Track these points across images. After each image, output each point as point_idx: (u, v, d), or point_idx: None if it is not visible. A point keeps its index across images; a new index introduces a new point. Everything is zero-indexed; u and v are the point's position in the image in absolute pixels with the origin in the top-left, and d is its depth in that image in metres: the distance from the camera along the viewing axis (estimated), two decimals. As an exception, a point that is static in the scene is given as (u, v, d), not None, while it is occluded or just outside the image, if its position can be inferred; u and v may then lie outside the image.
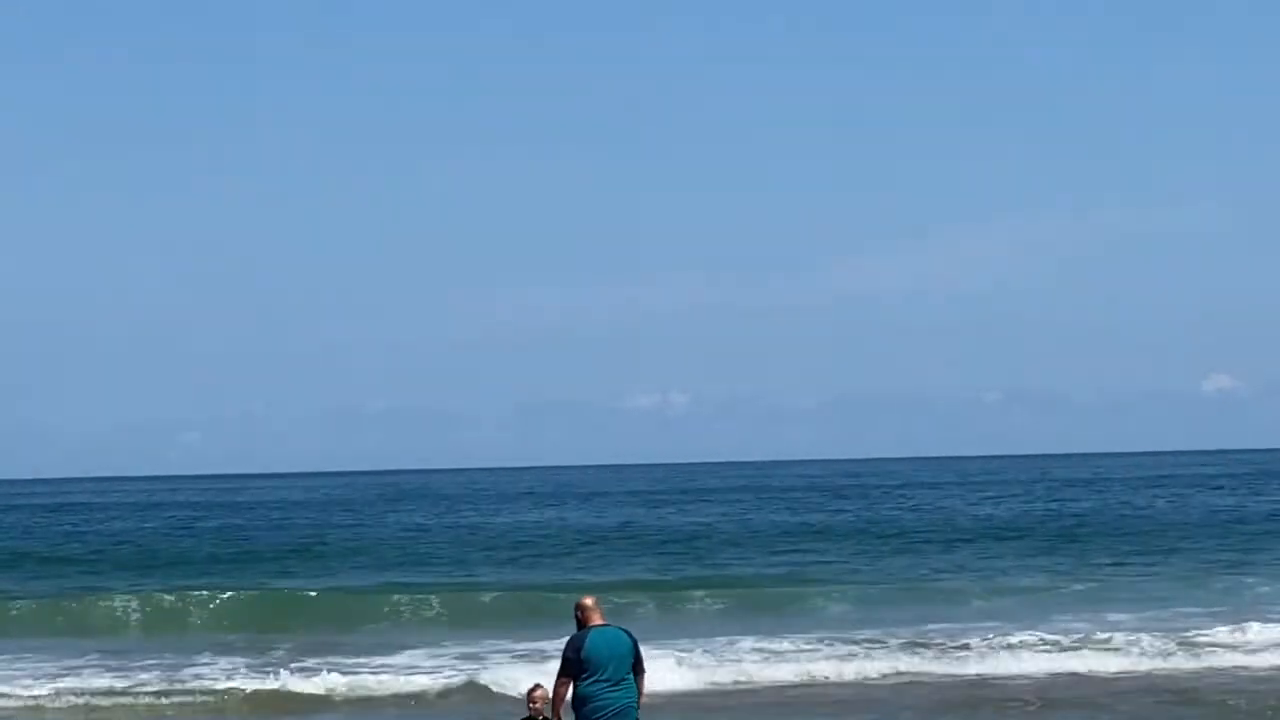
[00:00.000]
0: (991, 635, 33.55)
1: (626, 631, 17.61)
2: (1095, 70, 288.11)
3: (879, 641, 33.49)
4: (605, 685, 17.20)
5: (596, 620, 17.47)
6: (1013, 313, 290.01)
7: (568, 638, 17.49)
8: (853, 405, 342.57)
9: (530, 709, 17.65)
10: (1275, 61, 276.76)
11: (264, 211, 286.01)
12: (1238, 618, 35.53)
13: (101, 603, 43.01)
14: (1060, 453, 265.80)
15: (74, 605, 42.87)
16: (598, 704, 17.19)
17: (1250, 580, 44.49)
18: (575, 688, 17.26)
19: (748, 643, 33.51)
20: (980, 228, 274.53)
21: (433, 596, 43.13)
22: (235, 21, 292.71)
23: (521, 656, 32.08)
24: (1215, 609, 38.48)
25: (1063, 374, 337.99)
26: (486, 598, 43.70)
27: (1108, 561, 52.03)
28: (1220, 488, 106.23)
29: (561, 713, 17.42)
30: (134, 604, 42.21)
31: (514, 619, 39.29)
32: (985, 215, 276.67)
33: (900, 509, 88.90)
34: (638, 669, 17.47)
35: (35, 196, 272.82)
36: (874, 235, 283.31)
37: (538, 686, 17.91)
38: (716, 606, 42.01)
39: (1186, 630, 34.27)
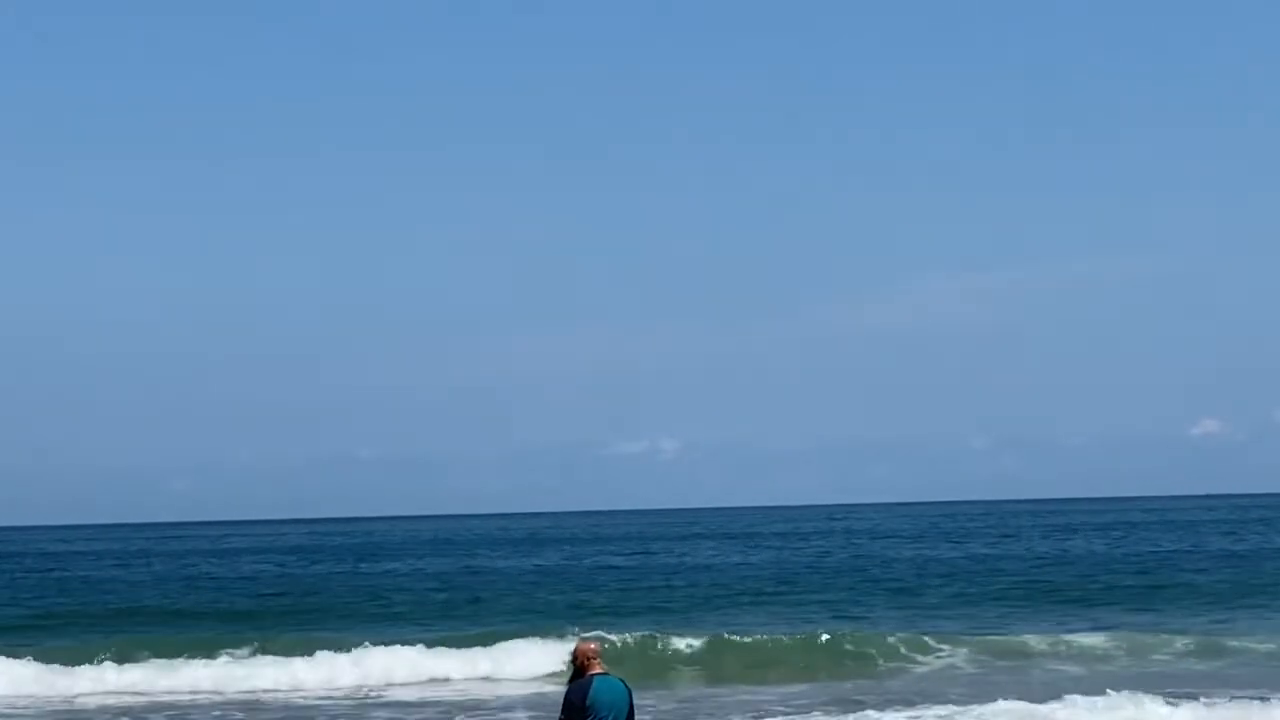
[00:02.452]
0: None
1: (624, 683, 17.56)
2: (1080, 117, 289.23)
3: None
4: None
5: (598, 668, 17.42)
6: (1001, 357, 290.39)
7: (571, 682, 17.39)
8: (840, 450, 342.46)
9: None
10: (1258, 103, 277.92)
11: (258, 258, 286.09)
12: None
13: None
14: (1050, 497, 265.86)
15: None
16: None
17: None
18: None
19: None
20: (970, 273, 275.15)
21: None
22: (237, 32, 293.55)
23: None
24: None
25: (1051, 419, 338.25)
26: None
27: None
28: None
29: None
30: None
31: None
32: (975, 260, 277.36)
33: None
34: (630, 718, 17.42)
35: (20, 226, 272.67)
36: (862, 279, 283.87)
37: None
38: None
39: None
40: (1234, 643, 41.00)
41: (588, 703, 17.17)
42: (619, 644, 40.14)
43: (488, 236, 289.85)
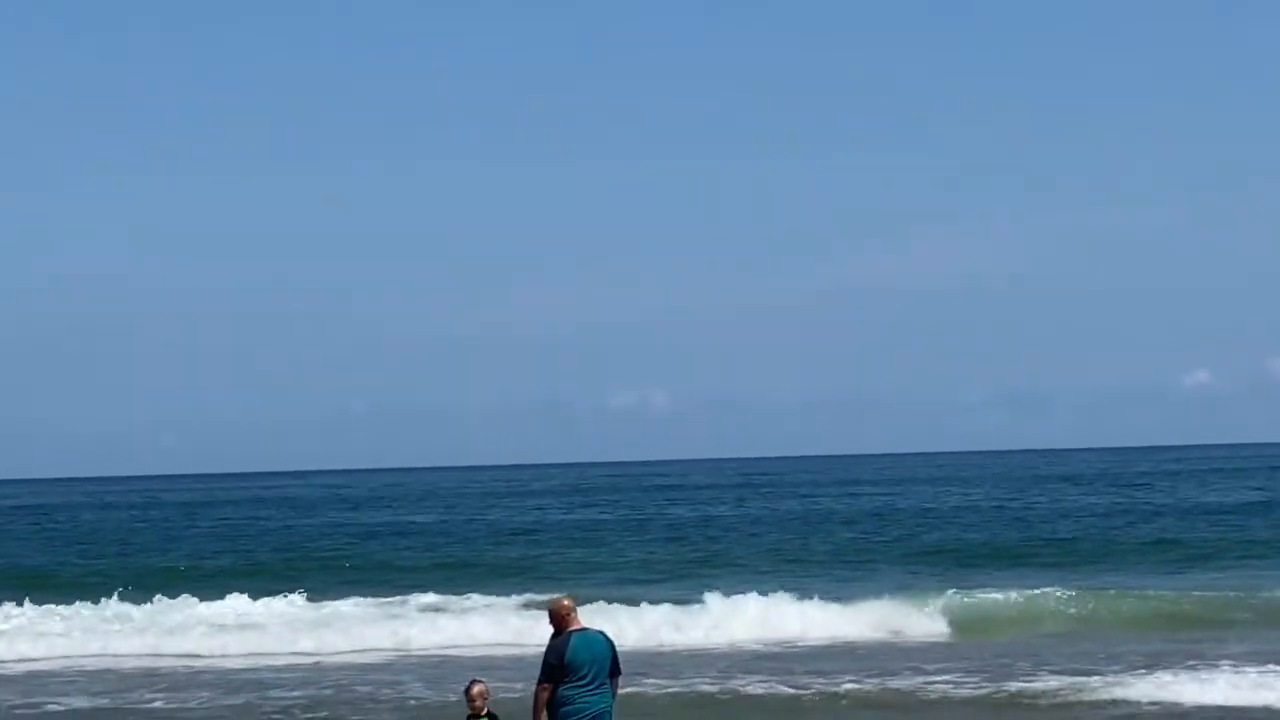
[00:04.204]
0: None
1: (604, 635, 17.32)
2: (1073, 70, 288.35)
3: None
4: (585, 689, 16.91)
5: (576, 623, 17.15)
6: (993, 311, 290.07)
7: (549, 641, 17.13)
8: (833, 404, 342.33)
9: (471, 708, 17.26)
10: (1245, 56, 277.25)
11: (246, 211, 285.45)
12: None
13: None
14: (1042, 448, 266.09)
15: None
16: (576, 707, 16.89)
17: None
18: (554, 691, 16.93)
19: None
20: (960, 227, 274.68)
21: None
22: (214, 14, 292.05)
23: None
24: None
25: (1044, 372, 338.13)
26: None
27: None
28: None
29: (542, 717, 17.07)
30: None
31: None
32: (966, 215, 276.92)
33: None
34: (614, 672, 17.22)
35: (16, 195, 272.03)
36: (855, 234, 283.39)
37: (474, 683, 17.53)
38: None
39: None
40: None
41: (566, 660, 16.88)
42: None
43: (481, 187, 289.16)
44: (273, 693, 29.87)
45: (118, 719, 27.34)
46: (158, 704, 28.90)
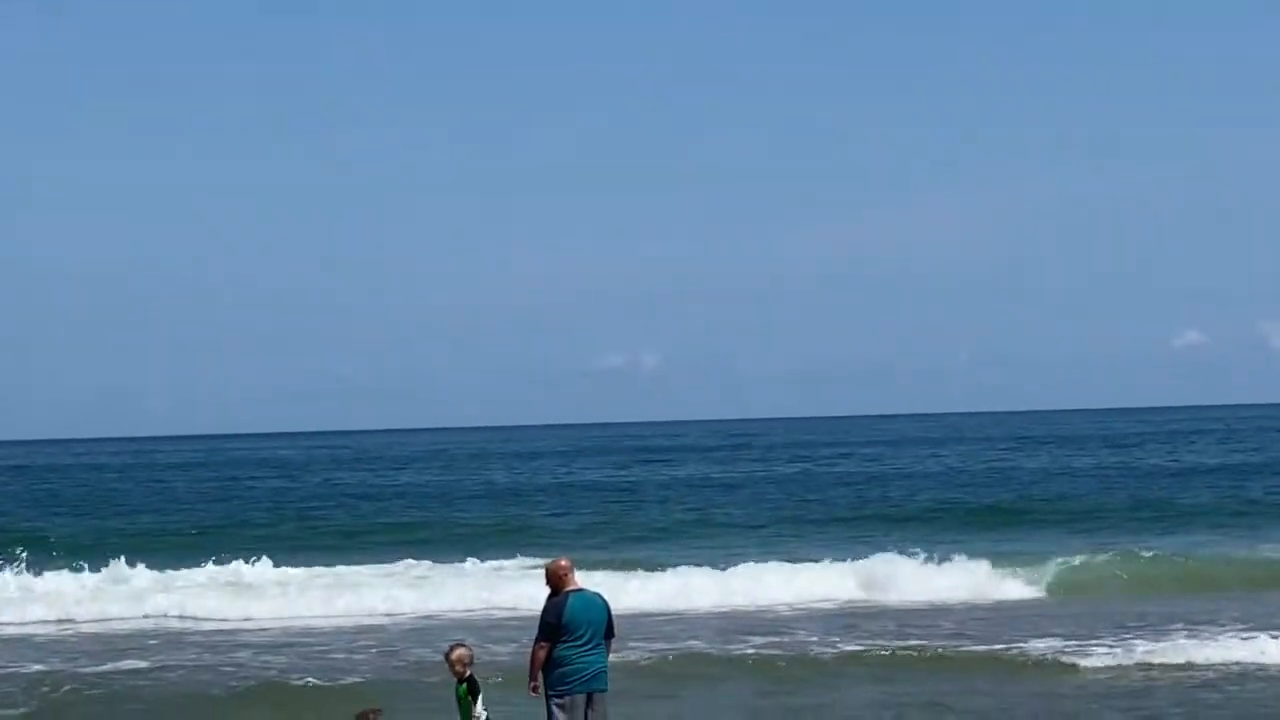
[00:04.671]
0: None
1: (601, 596, 17.26)
2: (1061, 37, 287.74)
3: None
4: (582, 649, 16.86)
5: (573, 584, 17.08)
6: (985, 273, 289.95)
7: (546, 601, 17.03)
8: (822, 366, 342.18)
9: (452, 672, 16.97)
10: (1232, 22, 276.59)
11: (235, 176, 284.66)
12: None
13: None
14: (1030, 409, 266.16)
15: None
16: (574, 668, 16.84)
17: None
18: (551, 650, 16.85)
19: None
20: (953, 192, 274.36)
21: None
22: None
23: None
24: None
25: (1034, 333, 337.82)
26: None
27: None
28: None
29: (538, 676, 16.95)
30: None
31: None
32: (959, 180, 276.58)
33: None
34: (609, 634, 17.16)
35: (5, 157, 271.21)
36: (845, 199, 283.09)
37: (455, 646, 17.21)
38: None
39: None
40: None
41: (564, 620, 16.82)
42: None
43: (473, 153, 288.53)
44: (254, 655, 29.48)
45: (101, 682, 26.88)
46: (140, 665, 28.44)
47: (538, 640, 16.91)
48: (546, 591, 17.19)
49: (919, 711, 22.84)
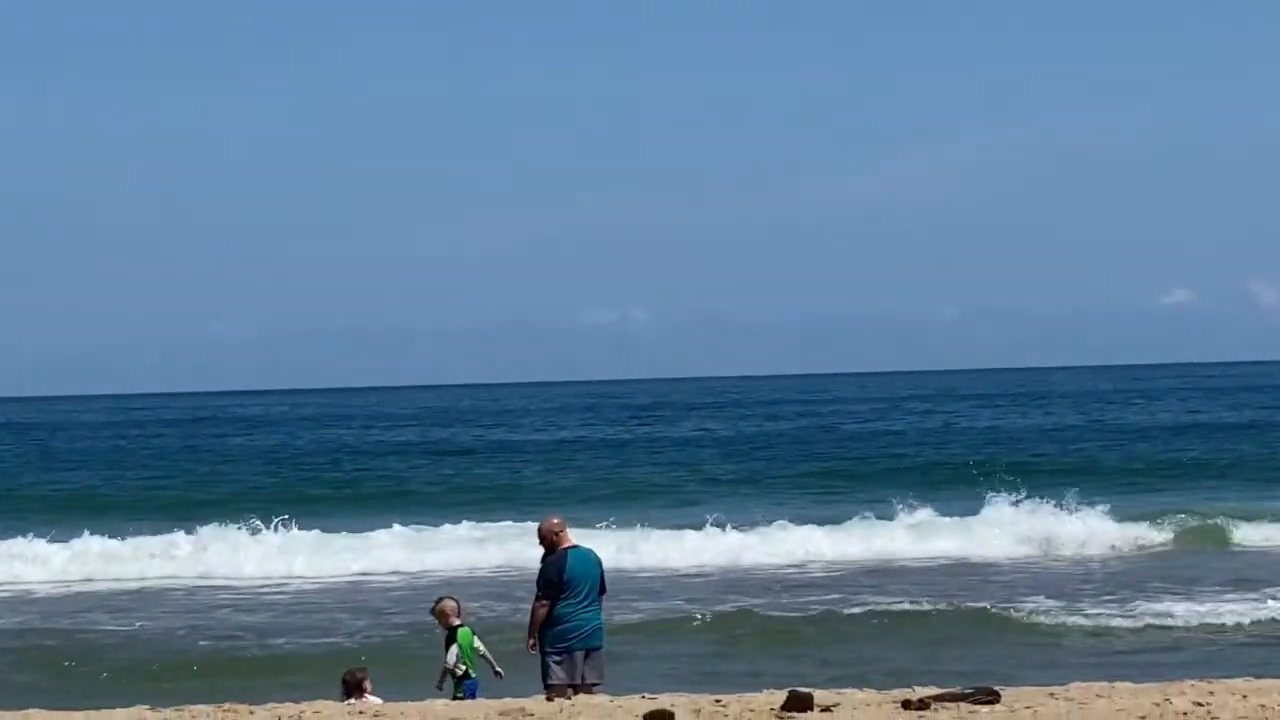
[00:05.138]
0: None
1: (594, 552, 17.32)
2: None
3: None
4: (579, 606, 16.89)
5: (567, 541, 17.09)
6: (972, 229, 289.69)
7: (545, 559, 17.00)
8: (813, 321, 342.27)
9: (443, 624, 17.27)
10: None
11: (230, 130, 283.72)
12: None
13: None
14: (1021, 367, 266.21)
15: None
16: (572, 624, 16.87)
17: None
18: (552, 607, 16.84)
19: None
20: (941, 145, 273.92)
21: None
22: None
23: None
24: None
25: (1023, 290, 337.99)
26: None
27: None
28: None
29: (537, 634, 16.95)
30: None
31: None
32: (946, 133, 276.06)
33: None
34: (601, 590, 17.20)
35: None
36: (835, 151, 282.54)
37: (442, 599, 17.54)
38: None
39: None
40: None
41: (565, 576, 16.83)
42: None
43: (459, 107, 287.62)
44: (233, 614, 29.34)
45: (75, 638, 26.74)
46: (109, 625, 28.30)
47: (539, 597, 16.92)
48: (539, 551, 17.21)
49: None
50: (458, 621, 17.28)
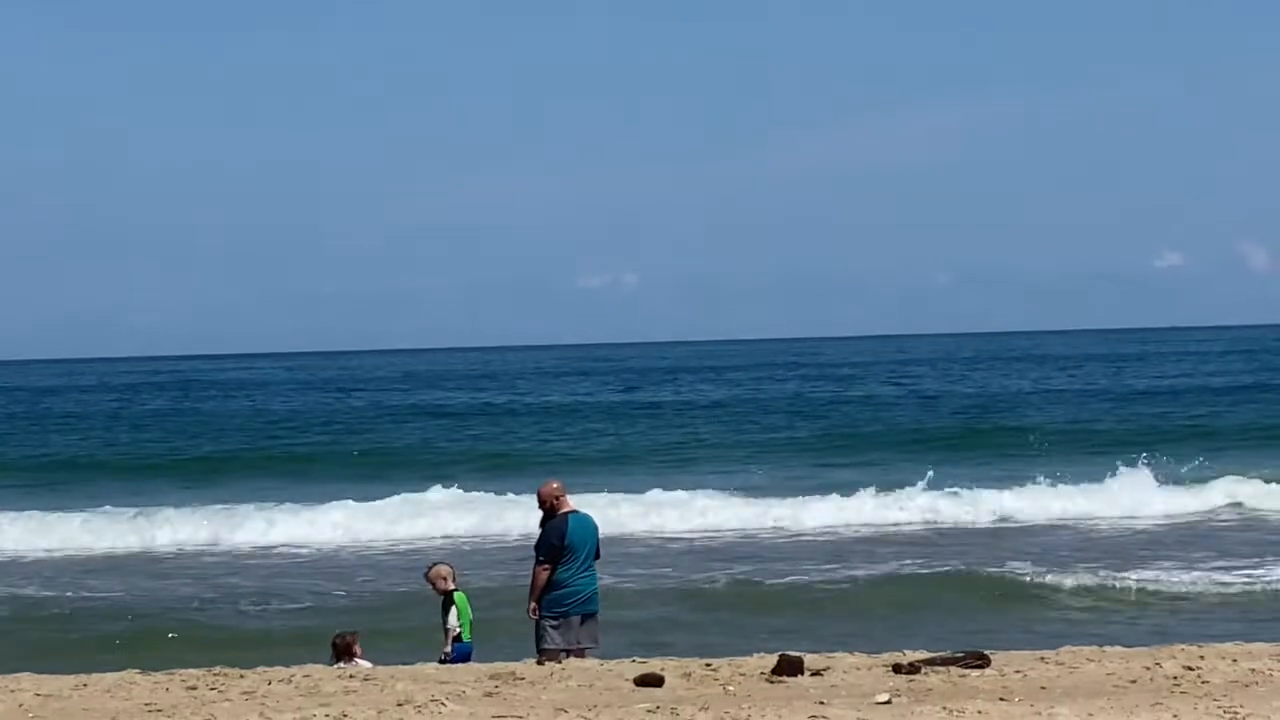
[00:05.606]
0: None
1: (592, 518, 17.36)
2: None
3: None
4: (577, 571, 16.94)
5: (566, 505, 17.15)
6: (964, 193, 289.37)
7: (546, 523, 17.04)
8: (803, 285, 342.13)
9: (436, 588, 17.39)
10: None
11: (222, 98, 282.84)
12: None
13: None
14: (1011, 330, 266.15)
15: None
16: (570, 589, 16.91)
17: None
18: (553, 572, 16.88)
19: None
20: (934, 109, 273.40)
21: None
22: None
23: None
24: None
25: (1015, 254, 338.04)
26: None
27: None
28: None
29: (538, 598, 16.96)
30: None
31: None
32: (939, 96, 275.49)
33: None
34: (596, 555, 17.27)
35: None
36: (826, 114, 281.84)
37: (435, 565, 17.72)
38: None
39: None
40: None
41: (566, 541, 16.89)
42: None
43: (451, 74, 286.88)
44: (224, 579, 29.30)
45: (66, 604, 26.72)
46: (111, 591, 28.29)
47: (540, 561, 16.97)
48: (538, 517, 17.27)
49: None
50: (453, 586, 17.34)
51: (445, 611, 17.19)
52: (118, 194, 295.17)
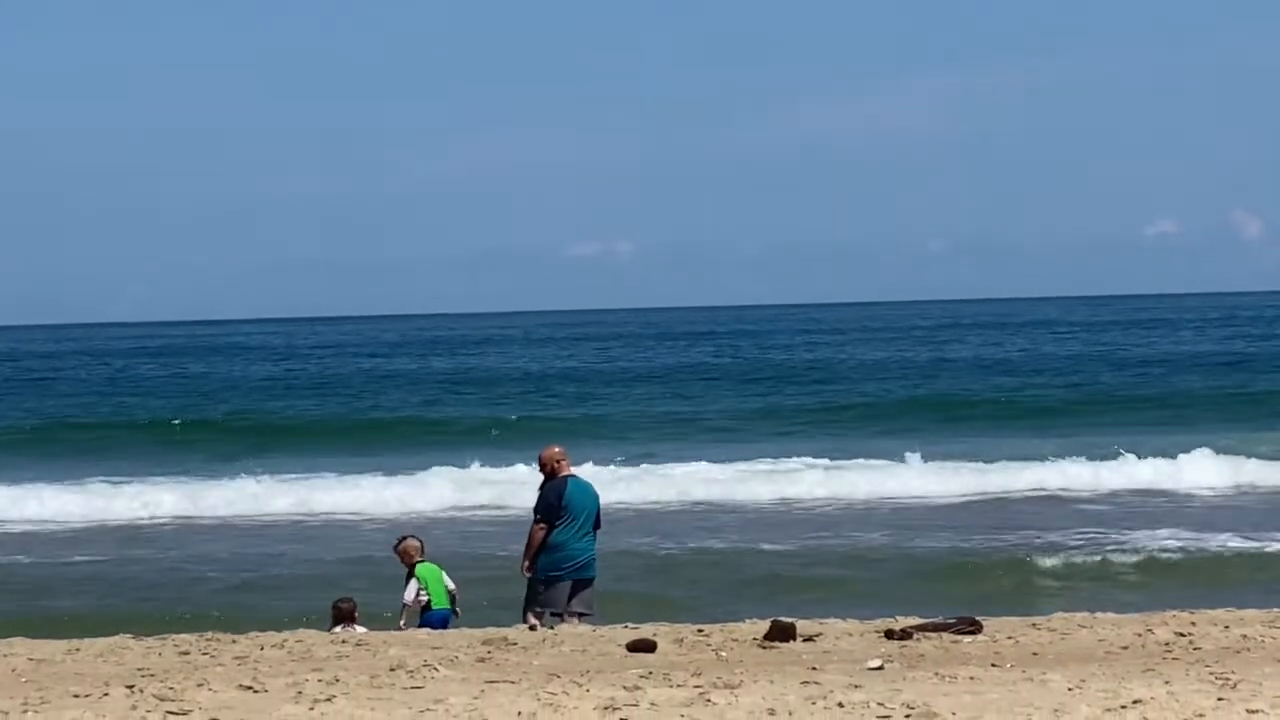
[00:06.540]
0: None
1: (593, 486, 17.49)
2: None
3: None
4: (575, 535, 17.01)
5: (567, 469, 17.27)
6: (958, 161, 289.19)
7: (545, 484, 17.14)
8: (798, 253, 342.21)
9: (407, 561, 17.53)
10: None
11: (205, 60, 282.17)
12: None
13: None
14: (1005, 297, 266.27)
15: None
16: (567, 553, 16.99)
17: None
18: (549, 533, 16.97)
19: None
20: (928, 76, 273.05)
21: None
22: None
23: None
24: None
25: (1008, 222, 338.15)
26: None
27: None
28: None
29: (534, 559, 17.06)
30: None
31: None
32: (933, 63, 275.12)
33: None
34: (596, 524, 17.32)
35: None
36: (821, 82, 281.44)
37: (405, 538, 17.87)
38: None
39: None
40: None
41: (564, 502, 16.98)
42: None
43: (443, 41, 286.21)
44: (213, 550, 29.22)
45: (52, 573, 26.69)
46: (99, 558, 28.26)
47: (537, 520, 17.07)
48: (525, 491, 17.42)
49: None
50: (420, 559, 17.44)
51: (406, 583, 17.32)
52: (105, 161, 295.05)
